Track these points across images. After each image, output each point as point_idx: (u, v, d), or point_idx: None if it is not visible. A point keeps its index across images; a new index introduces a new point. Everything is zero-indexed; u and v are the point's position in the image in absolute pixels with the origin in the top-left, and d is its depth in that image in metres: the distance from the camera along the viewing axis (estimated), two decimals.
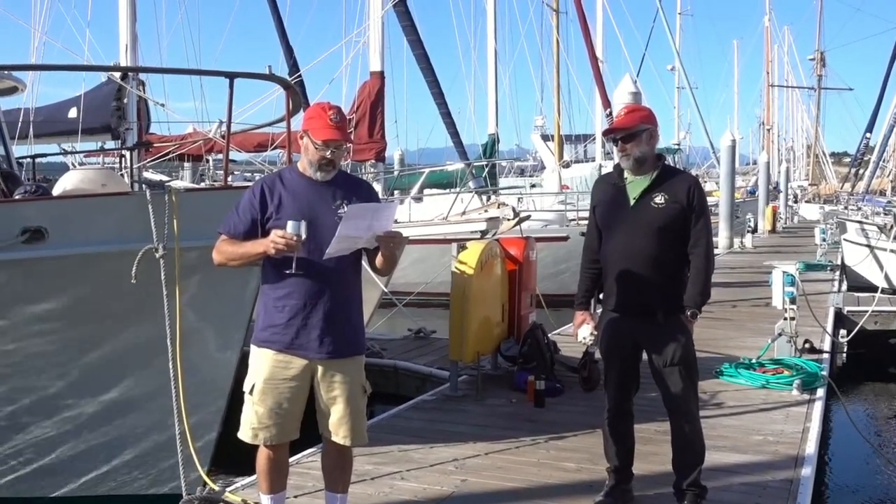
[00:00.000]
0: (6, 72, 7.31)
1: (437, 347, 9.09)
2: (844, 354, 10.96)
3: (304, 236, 3.34)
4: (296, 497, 4.50)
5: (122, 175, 8.99)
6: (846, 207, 24.49)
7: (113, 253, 4.95)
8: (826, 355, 8.61)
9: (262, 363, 3.57)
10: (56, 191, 5.66)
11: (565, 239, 14.88)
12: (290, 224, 3.35)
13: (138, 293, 4.89)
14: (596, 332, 4.30)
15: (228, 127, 5.44)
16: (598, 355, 4.78)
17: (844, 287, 15.11)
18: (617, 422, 4.33)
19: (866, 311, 11.01)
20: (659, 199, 4.07)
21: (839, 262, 17.88)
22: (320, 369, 3.56)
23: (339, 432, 3.60)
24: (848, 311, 11.55)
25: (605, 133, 4.35)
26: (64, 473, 5.69)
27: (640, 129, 4.11)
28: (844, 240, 19.07)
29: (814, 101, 56.53)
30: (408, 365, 8.43)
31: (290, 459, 4.90)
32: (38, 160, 9.75)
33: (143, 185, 6.50)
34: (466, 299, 6.64)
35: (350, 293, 3.62)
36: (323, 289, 3.50)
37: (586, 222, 4.57)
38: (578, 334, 4.36)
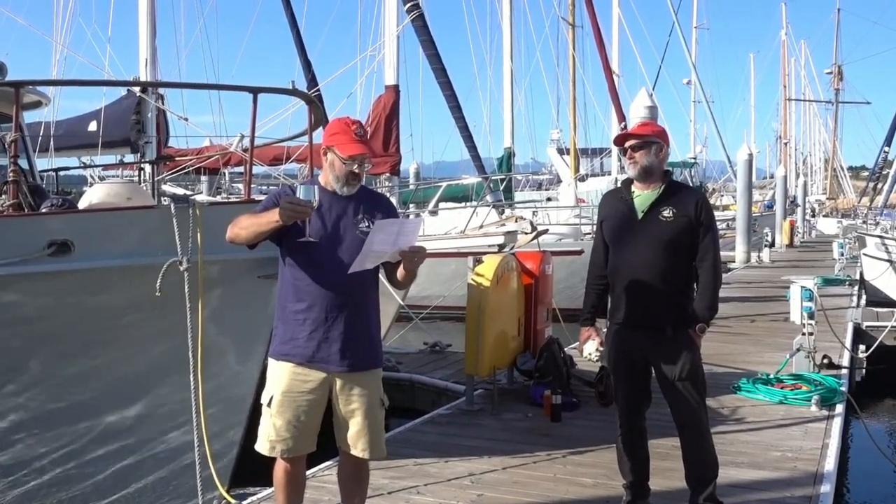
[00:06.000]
0: (31, 87, 7.40)
1: (452, 361, 9.09)
2: (863, 370, 10.85)
3: (315, 203, 3.37)
4: None
5: (144, 188, 9.07)
6: (865, 222, 24.30)
7: (138, 266, 5.00)
8: (845, 371, 8.54)
9: (281, 376, 3.59)
10: (82, 204, 5.73)
11: (580, 253, 14.84)
12: (301, 188, 3.41)
13: (162, 306, 4.93)
14: (602, 349, 4.28)
15: (252, 141, 5.49)
16: None
17: (863, 302, 14.98)
18: (630, 439, 4.31)
19: (886, 327, 10.90)
20: (667, 212, 4.08)
21: (858, 277, 17.73)
22: (339, 382, 3.58)
23: (357, 445, 3.61)
24: (867, 327, 11.45)
25: (618, 138, 4.36)
26: (81, 483, 5.73)
27: (651, 140, 4.13)
28: (864, 254, 18.89)
29: (831, 115, 56.39)
30: (423, 379, 8.44)
31: (307, 473, 4.92)
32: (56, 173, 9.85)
33: (168, 199, 6.55)
34: (482, 313, 6.64)
35: (370, 306, 3.64)
36: (345, 302, 3.52)
37: None
38: (584, 350, 4.33)
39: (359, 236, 3.48)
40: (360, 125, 3.60)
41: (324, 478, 5.01)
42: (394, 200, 16.14)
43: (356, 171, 3.55)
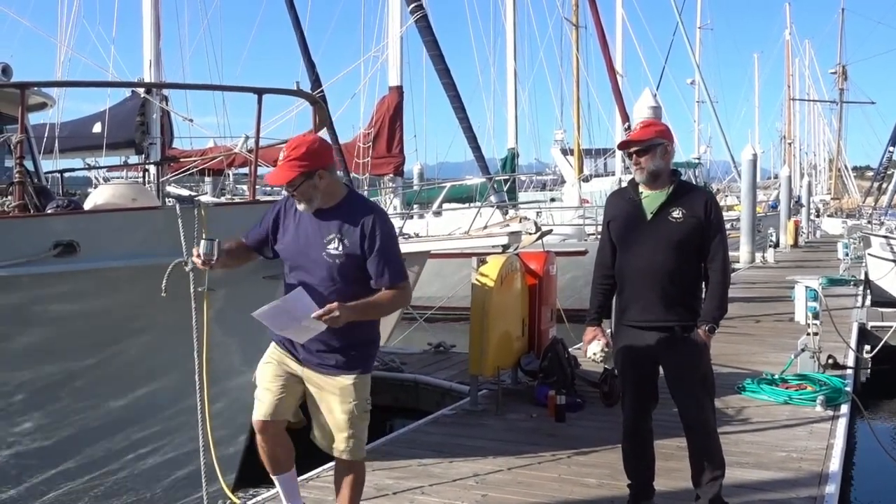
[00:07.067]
0: (36, 88, 7.42)
1: (456, 362, 9.09)
2: (868, 370, 10.82)
3: (215, 257, 3.45)
4: None
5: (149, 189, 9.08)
6: (869, 222, 24.24)
7: (143, 267, 5.01)
8: (850, 371, 8.53)
9: (269, 350, 3.71)
10: (87, 205, 5.74)
11: (584, 253, 14.84)
12: (202, 243, 3.46)
13: (167, 307, 4.94)
14: (607, 349, 4.24)
15: (257, 142, 5.50)
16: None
17: (868, 302, 14.94)
18: (635, 441, 4.30)
19: (891, 327, 10.87)
20: (677, 213, 4.07)
21: (863, 277, 17.69)
22: (307, 378, 3.63)
23: (323, 442, 3.67)
24: (872, 327, 11.42)
25: (621, 146, 4.35)
26: (87, 482, 5.74)
27: (655, 143, 4.11)
28: (868, 254, 18.86)
29: (835, 115, 56.20)
30: (428, 379, 8.44)
31: (312, 473, 4.93)
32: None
33: (172, 200, 6.57)
34: (486, 313, 6.64)
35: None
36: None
37: None
38: (588, 350, 4.29)
39: (324, 258, 3.46)
40: (295, 148, 3.43)
41: (328, 478, 5.00)
42: (397, 202, 16.25)
43: (291, 193, 3.48)
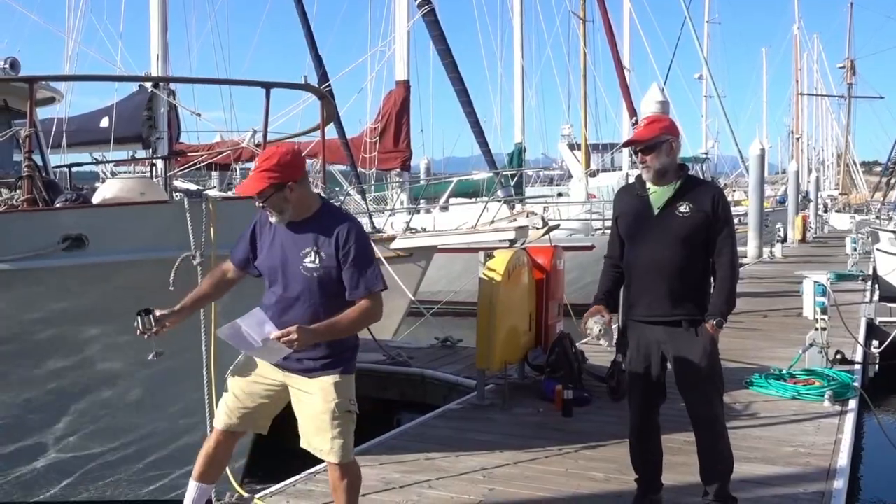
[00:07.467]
0: (45, 82, 7.44)
1: (463, 356, 9.09)
2: (876, 365, 10.79)
3: (152, 329, 3.47)
4: None
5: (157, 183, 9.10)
6: (878, 217, 24.17)
7: (151, 260, 5.02)
8: (858, 366, 8.50)
9: (243, 357, 3.66)
10: (96, 199, 5.76)
11: (591, 248, 14.83)
12: (136, 319, 3.47)
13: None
14: (607, 326, 4.13)
15: (265, 136, 5.50)
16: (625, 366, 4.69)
17: (876, 297, 14.89)
18: (642, 437, 4.29)
19: None
20: (684, 208, 4.05)
21: (871, 273, 17.63)
22: (291, 383, 3.58)
23: (310, 443, 3.58)
24: (880, 322, 11.39)
25: (626, 144, 4.33)
26: (91, 474, 5.77)
27: (660, 141, 4.08)
28: (877, 249, 18.80)
29: (844, 110, 56.04)
30: (435, 373, 8.44)
31: (312, 469, 4.92)
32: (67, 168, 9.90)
33: (180, 194, 6.59)
34: (493, 308, 6.63)
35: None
36: (293, 322, 3.39)
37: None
38: (587, 322, 4.14)
39: (302, 272, 3.41)
40: (266, 158, 3.36)
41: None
42: (404, 196, 16.25)
43: (261, 205, 3.42)
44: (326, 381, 3.50)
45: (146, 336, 3.48)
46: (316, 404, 3.51)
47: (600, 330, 4.12)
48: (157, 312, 3.50)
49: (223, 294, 3.75)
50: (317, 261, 3.39)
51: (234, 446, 3.80)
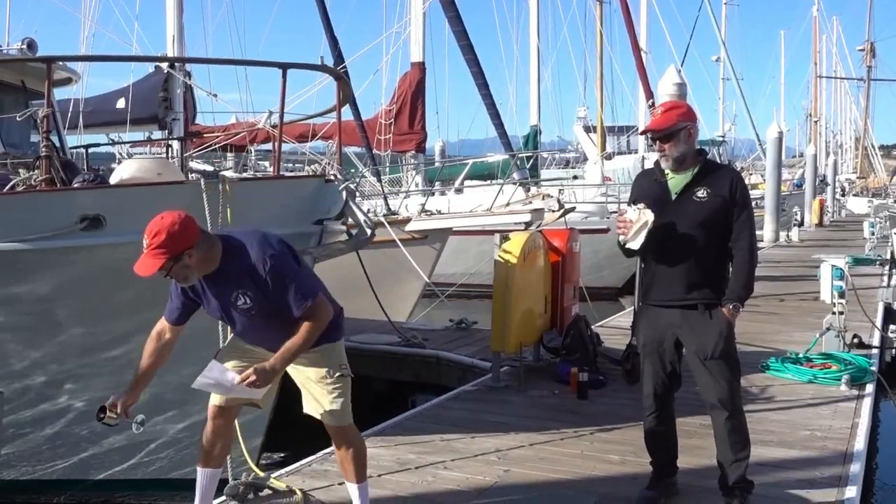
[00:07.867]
0: (62, 63, 7.45)
1: (479, 338, 9.10)
2: (894, 350, 10.72)
3: (117, 425, 3.56)
4: (340, 484, 4.54)
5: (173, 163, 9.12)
6: None
7: None
8: (875, 350, 8.45)
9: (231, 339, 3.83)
10: (113, 179, 5.78)
11: (606, 231, 14.78)
12: (101, 422, 3.53)
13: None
14: (644, 225, 3.97)
15: (281, 117, 5.49)
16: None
17: (894, 282, 14.78)
18: (658, 421, 4.28)
19: None
20: (701, 192, 4.03)
21: (889, 257, 17.49)
22: None
23: (312, 410, 3.72)
24: None
25: (643, 133, 4.30)
26: (110, 456, 5.82)
27: (678, 128, 4.05)
28: (895, 234, 18.64)
29: (863, 93, 55.52)
30: (450, 355, 8.45)
31: (328, 449, 4.93)
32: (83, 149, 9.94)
33: (197, 175, 6.62)
34: (509, 290, 6.63)
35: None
36: (265, 344, 3.63)
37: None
38: (628, 213, 4.04)
39: (242, 312, 3.51)
40: (155, 235, 3.25)
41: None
42: (419, 178, 16.22)
43: (165, 276, 3.37)
44: (315, 352, 3.65)
45: (118, 424, 3.60)
46: (309, 372, 3.69)
47: (639, 214, 3.99)
48: (110, 401, 3.51)
49: (168, 356, 3.68)
50: (247, 301, 3.45)
51: (233, 425, 3.87)
